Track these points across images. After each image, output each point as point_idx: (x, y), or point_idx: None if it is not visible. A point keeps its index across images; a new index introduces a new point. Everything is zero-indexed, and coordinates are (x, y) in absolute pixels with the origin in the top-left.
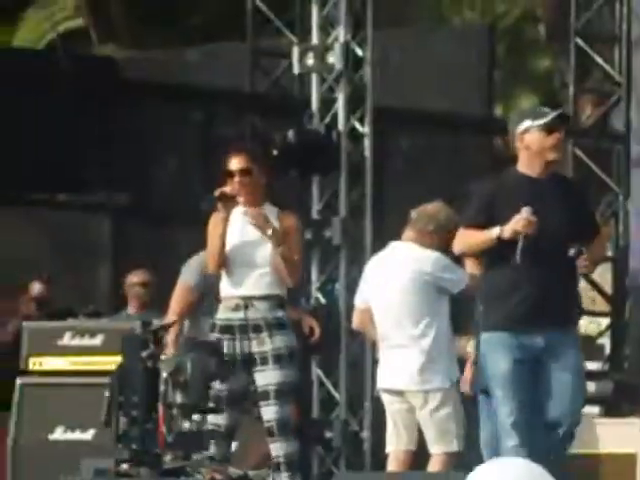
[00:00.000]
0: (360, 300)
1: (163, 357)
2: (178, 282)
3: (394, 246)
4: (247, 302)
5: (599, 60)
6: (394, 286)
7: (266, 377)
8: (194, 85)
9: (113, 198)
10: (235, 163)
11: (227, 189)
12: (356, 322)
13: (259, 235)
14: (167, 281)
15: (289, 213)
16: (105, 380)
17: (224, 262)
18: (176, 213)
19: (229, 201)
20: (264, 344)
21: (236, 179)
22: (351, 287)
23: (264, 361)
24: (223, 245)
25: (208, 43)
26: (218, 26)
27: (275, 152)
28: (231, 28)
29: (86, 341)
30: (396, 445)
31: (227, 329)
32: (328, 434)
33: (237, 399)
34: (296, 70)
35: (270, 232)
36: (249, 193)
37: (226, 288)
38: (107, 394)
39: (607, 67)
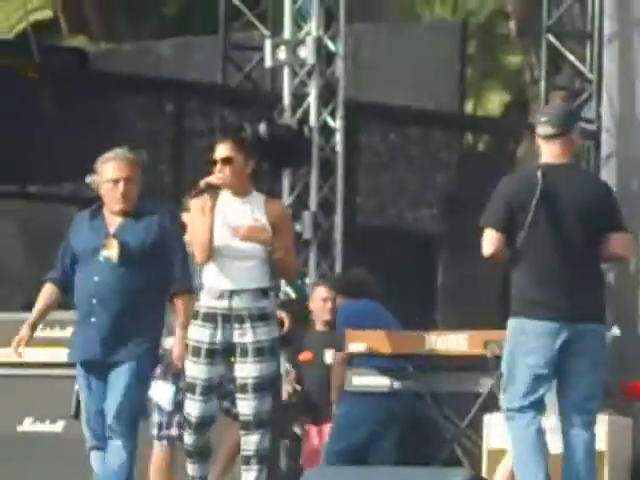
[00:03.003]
0: None
1: None
2: None
3: None
4: (232, 291)
5: (570, 57)
6: None
7: (245, 370)
8: (166, 77)
9: (82, 190)
10: (219, 151)
11: (212, 179)
12: None
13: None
14: None
15: (276, 200)
16: (75, 372)
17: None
18: None
19: (215, 191)
20: (246, 335)
21: (219, 167)
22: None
23: (244, 353)
24: (212, 236)
25: (180, 36)
26: (190, 19)
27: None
28: (203, 21)
29: (56, 333)
30: None
31: (210, 317)
32: (296, 428)
33: (213, 390)
34: (268, 64)
35: (267, 241)
36: (234, 181)
37: (211, 278)
38: (77, 386)
39: (578, 64)
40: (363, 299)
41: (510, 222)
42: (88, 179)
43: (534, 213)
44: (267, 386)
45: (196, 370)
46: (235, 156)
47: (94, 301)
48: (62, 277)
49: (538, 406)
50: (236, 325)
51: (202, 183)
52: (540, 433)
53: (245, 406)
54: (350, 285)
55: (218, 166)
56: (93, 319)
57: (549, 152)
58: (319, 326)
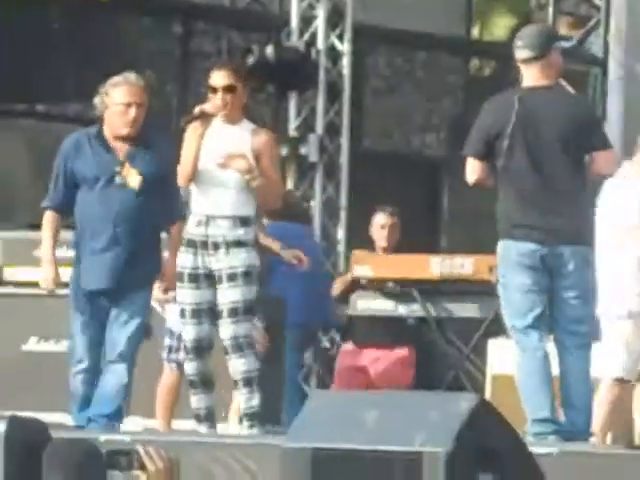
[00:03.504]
0: None
1: None
2: None
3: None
4: (209, 216)
5: None
6: None
7: (221, 295)
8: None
9: (90, 109)
10: (219, 79)
11: (207, 107)
12: None
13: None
14: None
15: (264, 130)
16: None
17: (195, 178)
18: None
19: (208, 118)
20: (220, 261)
21: (219, 95)
22: (326, 205)
23: (220, 279)
24: (195, 160)
25: None
26: None
27: (251, 61)
28: None
29: (63, 252)
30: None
31: (190, 243)
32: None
33: (202, 312)
34: None
35: (244, 170)
36: (230, 110)
37: (194, 204)
38: None
39: None
40: (294, 222)
41: (490, 148)
42: (96, 99)
43: (511, 137)
44: (243, 311)
45: (182, 295)
46: (236, 84)
47: (118, 230)
48: (62, 203)
49: (539, 325)
50: (212, 252)
51: (196, 110)
52: (546, 360)
53: (223, 331)
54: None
55: (219, 94)
56: (114, 247)
57: (528, 75)
58: (379, 251)
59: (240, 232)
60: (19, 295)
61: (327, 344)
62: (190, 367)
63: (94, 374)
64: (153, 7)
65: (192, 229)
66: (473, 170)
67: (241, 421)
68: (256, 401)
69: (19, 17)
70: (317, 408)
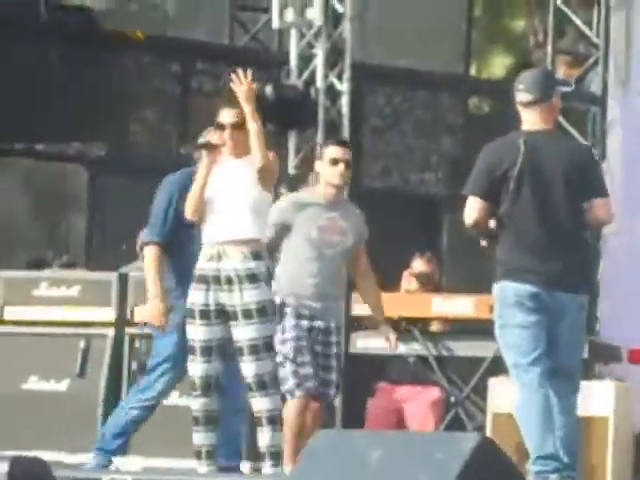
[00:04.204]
0: None
1: None
2: None
3: None
4: (220, 251)
5: (577, 21)
6: None
7: (238, 333)
8: (173, 37)
9: (90, 149)
10: (227, 116)
11: (213, 139)
12: None
13: (240, 183)
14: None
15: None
16: (81, 331)
17: (204, 209)
18: (153, 164)
19: (214, 150)
20: (234, 298)
21: (228, 132)
22: None
23: (235, 315)
24: (202, 191)
25: None
26: None
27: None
28: None
29: (62, 291)
30: None
31: (202, 279)
32: None
33: (212, 349)
34: (275, 25)
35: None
36: (238, 145)
37: (205, 236)
38: (82, 345)
39: (584, 28)
40: None
41: (493, 190)
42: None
43: (516, 181)
44: (263, 348)
45: (193, 331)
46: (242, 122)
47: None
48: (166, 241)
49: (540, 363)
50: (225, 287)
51: (201, 141)
52: (548, 397)
53: (245, 369)
54: None
55: (227, 131)
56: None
57: (529, 119)
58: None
59: (252, 264)
60: (20, 334)
61: None
62: (196, 404)
63: None
64: (153, 45)
65: (203, 264)
66: (474, 209)
67: (263, 459)
68: (279, 440)
69: (20, 56)
70: (320, 448)
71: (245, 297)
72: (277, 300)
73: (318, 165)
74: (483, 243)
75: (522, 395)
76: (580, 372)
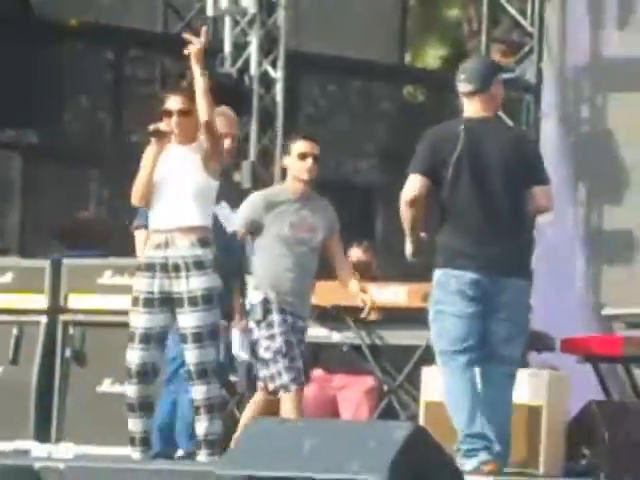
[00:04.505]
0: None
1: None
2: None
3: None
4: (168, 238)
5: (511, 10)
6: None
7: (183, 320)
8: (106, 24)
9: (23, 136)
10: (174, 103)
11: (161, 126)
12: None
13: (186, 170)
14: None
15: None
16: (13, 318)
17: (151, 196)
18: (86, 152)
19: (162, 137)
20: (181, 285)
21: (174, 119)
22: None
23: (181, 303)
24: (150, 178)
25: None
26: None
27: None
28: None
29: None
30: None
31: (148, 267)
32: (232, 378)
33: (151, 337)
34: (209, 12)
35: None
36: (185, 132)
37: (152, 223)
38: (15, 332)
39: (519, 17)
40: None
41: (435, 172)
42: None
43: (455, 168)
44: (207, 336)
45: (135, 319)
46: (189, 108)
47: None
48: None
49: (469, 353)
50: (172, 274)
51: (151, 127)
52: (474, 380)
53: (187, 356)
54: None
55: (174, 118)
56: None
57: (470, 108)
58: None
59: (199, 252)
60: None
61: None
62: (131, 391)
63: None
64: (86, 33)
65: (150, 252)
66: (414, 185)
67: (199, 448)
68: (217, 428)
69: None
70: (254, 435)
71: (191, 284)
72: (259, 296)
73: (286, 160)
74: (408, 251)
75: (447, 380)
76: (518, 359)
